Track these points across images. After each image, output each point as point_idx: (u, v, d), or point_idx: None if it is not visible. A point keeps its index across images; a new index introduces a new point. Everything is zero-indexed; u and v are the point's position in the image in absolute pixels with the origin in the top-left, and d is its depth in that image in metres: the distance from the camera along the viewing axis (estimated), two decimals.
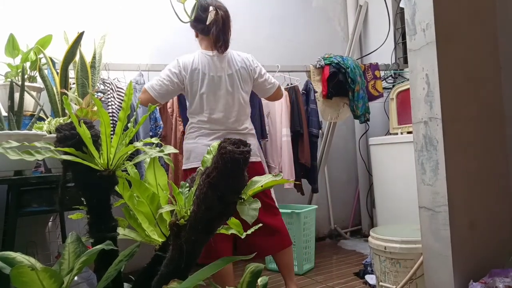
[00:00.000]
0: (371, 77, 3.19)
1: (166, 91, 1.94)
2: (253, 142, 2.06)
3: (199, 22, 1.97)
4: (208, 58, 1.94)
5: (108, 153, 1.03)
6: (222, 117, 1.96)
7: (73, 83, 2.09)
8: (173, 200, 1.02)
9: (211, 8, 1.93)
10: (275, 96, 2.21)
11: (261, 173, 2.02)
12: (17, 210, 1.75)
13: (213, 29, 1.93)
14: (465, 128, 1.47)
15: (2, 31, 2.21)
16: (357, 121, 3.49)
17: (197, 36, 2.07)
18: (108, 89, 2.35)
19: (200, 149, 1.91)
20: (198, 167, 2.04)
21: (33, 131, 1.74)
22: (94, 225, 1.05)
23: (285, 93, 2.89)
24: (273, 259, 2.79)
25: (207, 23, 1.92)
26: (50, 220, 2.33)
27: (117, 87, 2.40)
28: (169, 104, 2.54)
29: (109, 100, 2.34)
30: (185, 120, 2.43)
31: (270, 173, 2.34)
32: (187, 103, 2.03)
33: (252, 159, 1.98)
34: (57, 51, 2.12)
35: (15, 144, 0.93)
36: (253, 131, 2.12)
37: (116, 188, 1.08)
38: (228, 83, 1.96)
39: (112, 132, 1.02)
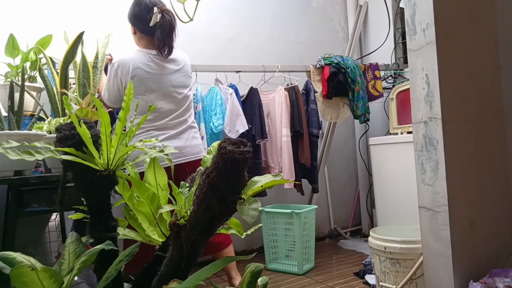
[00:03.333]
0: (371, 77, 3.19)
1: (119, 97, 1.95)
2: (196, 136, 2.07)
3: (139, 21, 1.93)
4: (151, 56, 1.93)
5: (108, 153, 1.03)
6: (168, 115, 1.95)
7: (73, 83, 2.09)
8: (173, 200, 1.02)
9: (155, 9, 1.89)
10: None
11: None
12: (17, 210, 1.75)
13: (158, 32, 1.90)
14: (465, 128, 1.47)
15: (2, 31, 2.21)
16: (357, 121, 3.49)
17: (134, 33, 2.02)
18: None
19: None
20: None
21: (33, 131, 1.74)
22: (94, 225, 1.06)
23: (285, 93, 2.89)
24: (273, 259, 2.80)
25: (151, 24, 1.88)
26: (50, 220, 2.33)
27: None
28: None
29: None
30: None
31: (269, 173, 2.34)
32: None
33: (193, 157, 1.97)
34: (57, 51, 2.12)
35: (15, 144, 0.93)
36: (195, 124, 2.13)
37: (116, 188, 1.09)
38: (173, 80, 1.96)
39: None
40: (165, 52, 1.95)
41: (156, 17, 1.86)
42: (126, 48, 2.71)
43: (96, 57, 2.11)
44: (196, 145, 2.03)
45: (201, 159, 2.00)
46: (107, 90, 1.96)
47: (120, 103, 2.01)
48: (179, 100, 1.98)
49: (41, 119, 1.93)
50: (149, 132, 1.93)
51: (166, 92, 1.94)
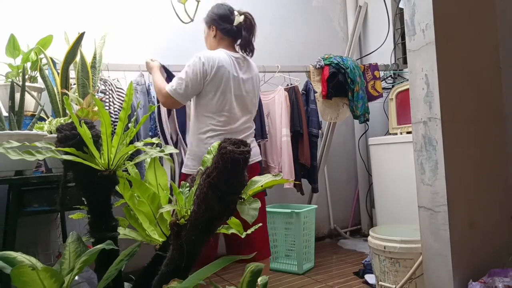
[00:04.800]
0: (370, 78, 3.19)
1: (191, 92, 1.87)
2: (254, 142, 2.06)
3: (224, 21, 1.93)
4: (233, 58, 1.91)
5: (109, 153, 1.03)
6: (238, 118, 1.92)
7: (74, 83, 2.09)
8: (173, 200, 1.02)
9: (236, 12, 1.94)
10: None
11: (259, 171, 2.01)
12: (18, 210, 1.75)
13: (245, 33, 1.94)
14: (464, 128, 1.47)
15: (3, 31, 2.22)
16: (356, 121, 3.49)
17: (214, 35, 1.98)
18: (108, 89, 2.36)
19: None
20: None
21: (34, 131, 1.74)
22: (94, 224, 1.06)
23: (285, 93, 2.90)
24: (273, 259, 2.80)
25: (234, 24, 1.91)
26: (51, 220, 2.34)
27: (117, 88, 2.41)
28: None
29: (110, 100, 2.34)
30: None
31: (269, 173, 2.34)
32: (202, 102, 1.91)
33: (256, 159, 1.96)
34: (57, 52, 2.13)
35: (16, 144, 0.94)
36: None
37: (117, 188, 1.09)
38: (247, 86, 1.95)
39: (113, 132, 1.02)
40: (250, 53, 1.97)
41: (240, 18, 1.92)
42: (126, 48, 2.73)
43: (94, 57, 2.11)
44: (254, 148, 1.97)
45: (258, 161, 2.02)
46: (184, 82, 1.85)
47: (190, 98, 1.94)
48: (250, 106, 1.97)
49: (41, 119, 1.93)
50: (220, 136, 1.86)
51: (240, 96, 1.92)
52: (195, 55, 1.87)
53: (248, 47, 1.97)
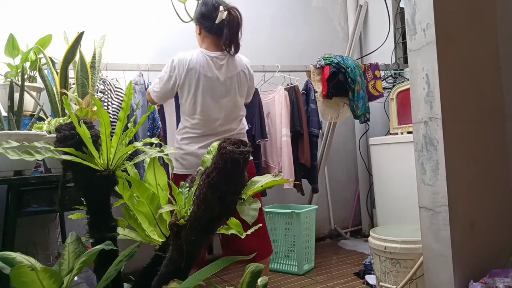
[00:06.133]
0: (371, 77, 3.19)
1: (165, 92, 1.90)
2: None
3: (206, 19, 1.91)
4: (208, 58, 1.88)
5: (108, 153, 1.03)
6: (214, 120, 1.89)
7: (73, 83, 2.08)
8: (173, 200, 1.02)
9: (221, 7, 1.87)
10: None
11: (253, 171, 1.97)
12: (17, 210, 1.75)
13: (226, 30, 1.88)
14: (465, 128, 1.47)
15: (2, 31, 2.21)
16: (357, 121, 3.49)
17: (199, 33, 1.99)
18: (107, 89, 2.35)
19: (188, 158, 1.85)
20: (184, 174, 1.89)
21: (33, 131, 1.74)
22: (94, 225, 1.05)
23: (285, 93, 2.89)
24: (273, 259, 2.79)
25: (216, 21, 1.85)
26: (50, 220, 2.33)
27: (116, 87, 2.40)
28: None
29: (108, 100, 2.34)
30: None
31: (269, 173, 2.34)
32: (180, 103, 1.95)
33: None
34: (57, 51, 2.12)
35: (15, 144, 0.93)
36: (243, 131, 2.04)
37: (116, 188, 1.08)
38: (227, 85, 1.90)
39: (112, 132, 1.02)
40: (232, 50, 1.92)
41: (222, 15, 1.85)
42: (126, 48, 2.72)
43: (94, 57, 2.11)
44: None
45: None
46: (159, 84, 1.89)
47: (166, 100, 1.98)
48: (232, 106, 1.91)
49: (41, 119, 1.93)
50: (191, 140, 1.87)
51: (216, 98, 1.88)
52: (172, 58, 1.88)
53: (231, 44, 1.90)
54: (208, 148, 1.11)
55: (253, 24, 3.29)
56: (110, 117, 2.27)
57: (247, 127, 2.58)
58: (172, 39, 2.87)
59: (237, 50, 1.93)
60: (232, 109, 1.92)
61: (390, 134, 3.17)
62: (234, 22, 1.88)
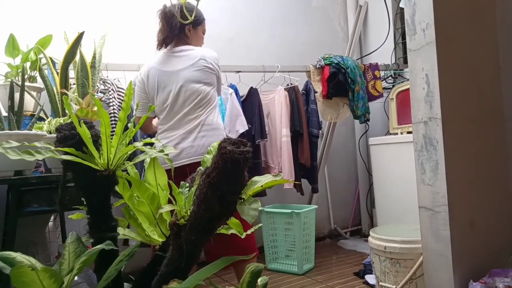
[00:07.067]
0: (371, 77, 3.19)
1: (145, 105, 1.99)
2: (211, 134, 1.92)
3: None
4: (162, 54, 1.96)
5: (108, 153, 1.03)
6: (178, 113, 1.90)
7: (73, 83, 2.09)
8: (173, 200, 1.02)
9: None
10: None
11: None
12: (17, 210, 1.75)
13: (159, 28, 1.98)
14: (465, 128, 1.47)
15: (2, 31, 2.21)
16: (357, 121, 3.49)
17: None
18: (109, 89, 2.36)
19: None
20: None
21: (33, 131, 1.74)
22: (94, 225, 1.05)
23: (285, 93, 2.89)
24: (273, 259, 2.80)
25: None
26: (50, 220, 2.33)
27: (118, 87, 2.40)
28: None
29: (110, 100, 2.34)
30: None
31: (269, 173, 2.34)
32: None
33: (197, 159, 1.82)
34: (57, 51, 2.12)
35: (15, 144, 0.93)
36: (212, 122, 1.94)
37: (116, 188, 1.09)
38: (182, 75, 1.90)
39: (112, 132, 1.02)
40: (167, 45, 1.98)
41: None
42: (126, 48, 2.72)
43: (94, 57, 2.11)
44: (204, 145, 1.88)
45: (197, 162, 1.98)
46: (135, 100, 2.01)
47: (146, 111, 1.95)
48: (193, 95, 1.89)
49: (41, 119, 1.93)
50: (161, 135, 1.93)
51: (174, 89, 1.89)
52: None
53: (166, 41, 1.96)
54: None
55: (253, 24, 3.29)
56: (116, 117, 2.27)
57: (245, 128, 2.59)
58: None
59: (164, 44, 1.98)
60: (194, 98, 1.93)
61: (390, 134, 3.18)
62: (161, 18, 1.98)
